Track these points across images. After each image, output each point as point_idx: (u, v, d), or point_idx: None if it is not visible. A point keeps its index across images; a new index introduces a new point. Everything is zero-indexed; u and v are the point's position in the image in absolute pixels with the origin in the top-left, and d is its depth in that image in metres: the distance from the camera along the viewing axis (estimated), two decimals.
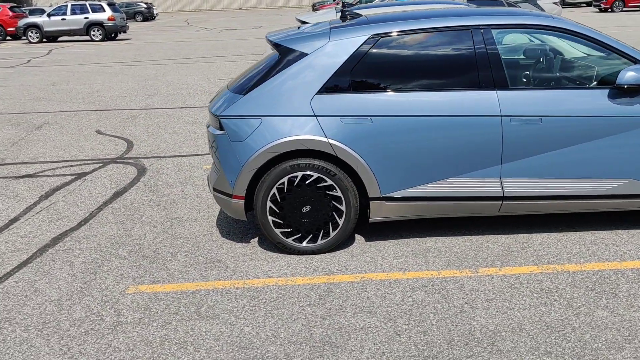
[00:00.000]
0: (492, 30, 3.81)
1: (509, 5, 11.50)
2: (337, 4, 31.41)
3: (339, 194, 3.83)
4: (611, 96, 3.73)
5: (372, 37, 3.82)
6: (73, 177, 6.02)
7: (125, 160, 6.55)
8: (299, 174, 3.80)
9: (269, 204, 3.86)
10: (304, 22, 6.55)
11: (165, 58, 17.32)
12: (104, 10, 25.02)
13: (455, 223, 4.38)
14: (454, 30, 3.82)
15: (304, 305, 3.33)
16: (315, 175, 3.79)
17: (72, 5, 25.37)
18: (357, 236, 4.23)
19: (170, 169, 6.17)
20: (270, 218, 3.88)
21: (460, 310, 3.19)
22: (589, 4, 37.82)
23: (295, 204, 3.86)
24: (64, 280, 3.77)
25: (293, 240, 3.94)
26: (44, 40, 25.94)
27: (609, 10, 33.42)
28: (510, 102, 3.71)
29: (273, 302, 3.39)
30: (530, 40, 5.15)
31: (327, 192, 3.83)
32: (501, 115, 3.71)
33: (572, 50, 4.73)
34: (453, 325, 3.06)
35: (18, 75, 14.63)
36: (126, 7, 45.00)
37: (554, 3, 20.96)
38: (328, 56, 3.81)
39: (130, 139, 7.49)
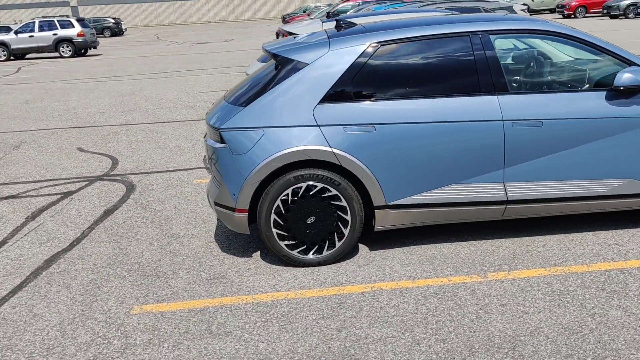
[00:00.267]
0: (491, 36, 3.84)
1: (486, 12, 11.73)
2: (308, 15, 31.58)
3: (344, 203, 3.79)
4: (609, 98, 3.79)
5: (372, 46, 3.81)
6: (59, 196, 5.85)
7: (111, 178, 6.41)
8: (303, 185, 3.75)
9: (273, 216, 3.80)
10: (291, 33, 6.53)
11: (140, 73, 17.10)
12: (73, 26, 24.62)
13: (457, 228, 4.38)
14: (453, 36, 3.84)
15: (317, 318, 3.28)
16: (320, 185, 3.75)
17: (40, 21, 24.92)
18: (361, 246, 4.20)
19: (160, 184, 6.05)
20: (274, 231, 3.82)
21: (476, 317, 3.17)
22: (552, 11, 38.78)
23: (299, 215, 3.81)
24: (64, 304, 3.63)
25: (298, 252, 3.88)
26: (12, 57, 25.40)
27: (572, 16, 34.31)
28: (511, 106, 3.74)
29: (285, 316, 3.32)
30: (516, 46, 5.21)
31: (332, 202, 3.79)
32: (503, 120, 3.73)
33: (560, 54, 4.81)
34: (471, 331, 3.04)
35: None
36: (94, 22, 44.43)
37: (522, 10, 21.51)
38: (328, 65, 3.78)
39: (114, 156, 7.34)
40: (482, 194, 3.85)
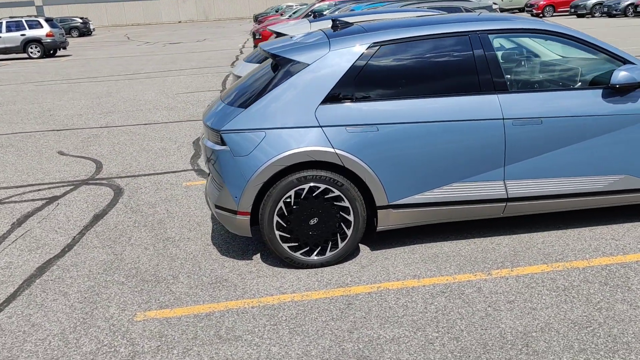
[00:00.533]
0: (489, 36, 3.88)
1: (467, 11, 11.87)
2: (281, 15, 31.47)
3: (347, 204, 3.78)
4: (605, 96, 3.86)
5: (373, 46, 3.80)
6: (44, 201, 5.70)
7: (97, 182, 6.27)
8: (306, 186, 3.73)
9: (275, 218, 3.76)
10: (279, 34, 6.48)
11: (114, 74, 16.79)
12: (42, 27, 24.05)
13: (455, 226, 4.41)
14: (452, 36, 3.86)
15: (326, 320, 3.26)
16: (323, 186, 3.73)
17: (7, 22, 24.26)
18: (362, 246, 4.19)
19: (149, 187, 5.94)
20: (277, 233, 3.79)
21: (486, 314, 3.20)
22: (521, 10, 39.48)
23: (302, 217, 3.78)
24: (62, 312, 3.53)
25: (301, 254, 3.85)
26: None
27: (541, 15, 34.96)
28: (511, 105, 3.78)
29: (294, 319, 3.29)
30: (502, 45, 5.27)
31: (335, 203, 3.77)
32: (503, 119, 3.77)
33: (551, 53, 4.88)
34: (482, 329, 3.06)
35: None
36: (61, 22, 43.43)
37: (494, 9, 21.90)
38: (330, 66, 3.77)
39: (97, 159, 7.18)
40: (483, 192, 3.88)
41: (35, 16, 26.32)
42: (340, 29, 4.20)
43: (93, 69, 18.80)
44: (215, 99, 4.41)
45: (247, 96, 3.86)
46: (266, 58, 6.19)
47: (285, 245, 3.82)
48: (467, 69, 3.80)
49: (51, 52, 24.84)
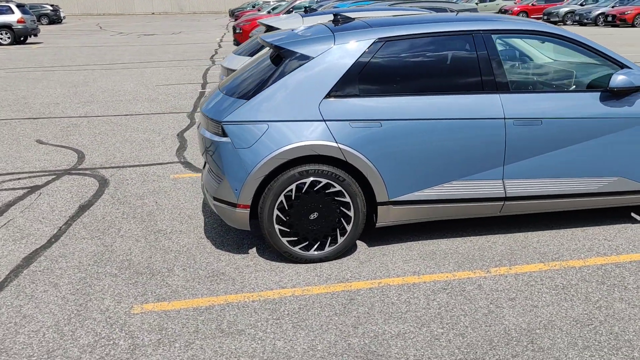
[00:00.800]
0: (493, 35, 3.90)
1: (452, 12, 11.99)
2: (258, 10, 31.24)
3: (348, 199, 3.76)
4: (602, 99, 3.93)
5: (377, 41, 3.79)
6: (25, 190, 5.52)
7: (80, 172, 6.10)
8: (307, 181, 3.69)
9: (275, 212, 3.72)
10: (270, 27, 6.41)
11: (90, 63, 16.40)
12: (13, 12, 23.31)
13: (451, 224, 4.43)
14: (456, 35, 3.87)
15: (330, 314, 3.23)
16: (324, 181, 3.70)
17: None
18: (359, 242, 4.17)
19: (135, 179, 5.81)
20: (277, 227, 3.74)
21: (488, 311, 3.22)
22: None
23: (302, 211, 3.74)
24: (54, 304, 3.42)
25: (300, 248, 3.82)
26: None
27: None
28: (512, 104, 3.81)
29: (296, 313, 3.26)
30: (505, 47, 5.33)
31: (336, 198, 3.75)
32: (505, 118, 3.80)
33: (546, 55, 4.95)
34: (487, 326, 3.08)
35: None
36: (31, 9, 42.24)
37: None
38: (334, 60, 3.73)
39: (79, 149, 6.99)
40: (482, 191, 3.91)
41: (7, 1, 25.51)
42: (341, 24, 4.17)
43: (66, 57, 18.33)
44: (213, 89, 4.34)
45: (249, 88, 3.80)
46: (259, 50, 6.14)
47: (284, 240, 3.78)
48: (470, 67, 3.82)
49: (22, 38, 24.13)
